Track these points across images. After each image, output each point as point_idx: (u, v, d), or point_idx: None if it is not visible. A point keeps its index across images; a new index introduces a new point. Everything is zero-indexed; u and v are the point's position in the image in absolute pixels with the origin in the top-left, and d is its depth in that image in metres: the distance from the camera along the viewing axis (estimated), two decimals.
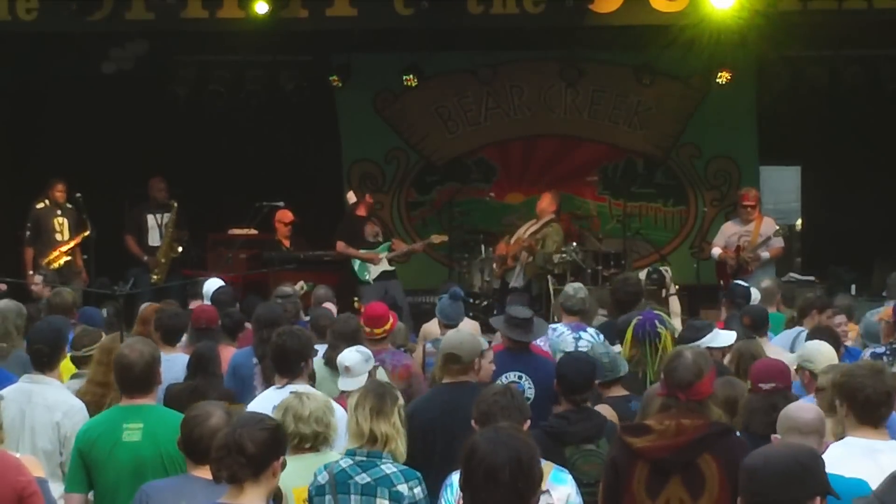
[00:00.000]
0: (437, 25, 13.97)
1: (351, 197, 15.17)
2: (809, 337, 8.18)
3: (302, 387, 6.58)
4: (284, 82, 16.49)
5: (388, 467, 5.61)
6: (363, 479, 5.57)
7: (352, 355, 7.28)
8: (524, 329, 8.09)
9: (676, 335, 7.93)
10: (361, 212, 14.87)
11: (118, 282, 11.07)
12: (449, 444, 6.45)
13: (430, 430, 6.80)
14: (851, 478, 4.87)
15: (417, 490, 5.60)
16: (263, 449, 4.48)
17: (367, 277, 14.46)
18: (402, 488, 5.56)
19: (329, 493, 5.55)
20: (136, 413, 6.03)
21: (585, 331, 9.14)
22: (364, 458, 5.61)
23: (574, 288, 9.89)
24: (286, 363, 6.96)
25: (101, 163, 15.41)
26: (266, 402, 6.69)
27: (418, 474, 5.68)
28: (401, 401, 5.82)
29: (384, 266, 14.54)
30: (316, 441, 5.86)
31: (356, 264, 14.52)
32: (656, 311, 8.07)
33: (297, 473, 5.67)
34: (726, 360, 7.78)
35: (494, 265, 14.78)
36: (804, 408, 5.18)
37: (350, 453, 5.65)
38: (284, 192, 14.97)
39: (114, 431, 6.02)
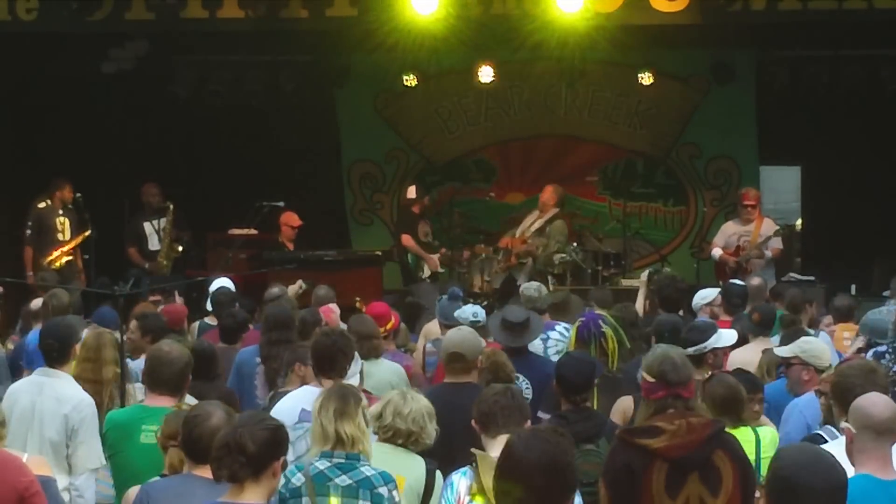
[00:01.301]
0: (438, 25, 13.96)
1: (411, 192, 15.30)
2: (790, 338, 8.21)
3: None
4: (284, 82, 16.49)
5: (368, 469, 5.57)
6: (344, 481, 5.52)
7: None
8: (518, 333, 8.07)
9: (623, 334, 7.97)
10: (416, 209, 15.11)
11: (118, 282, 11.07)
12: (447, 444, 6.47)
13: None
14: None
15: (395, 493, 5.58)
16: (264, 448, 4.48)
17: (421, 275, 14.69)
18: (383, 491, 5.53)
19: (306, 496, 5.50)
20: (157, 415, 6.06)
21: (554, 329, 9.13)
22: (343, 460, 5.56)
23: (534, 288, 9.93)
24: (334, 362, 6.90)
25: (101, 162, 15.42)
26: (300, 401, 6.69)
27: (394, 477, 5.64)
28: (364, 402, 5.78)
29: (439, 270, 14.87)
30: (408, 440, 5.91)
31: (412, 259, 14.80)
32: (598, 311, 8.11)
33: (385, 462, 5.72)
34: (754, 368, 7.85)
35: (499, 258, 14.75)
36: (879, 404, 5.02)
37: (326, 455, 5.58)
38: (284, 192, 14.97)
39: (132, 431, 6.11)
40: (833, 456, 4.05)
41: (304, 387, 6.98)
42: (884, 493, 4.66)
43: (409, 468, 5.92)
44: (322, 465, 5.56)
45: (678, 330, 8.40)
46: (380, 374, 8.00)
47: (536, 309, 9.44)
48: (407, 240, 14.98)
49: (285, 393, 7.34)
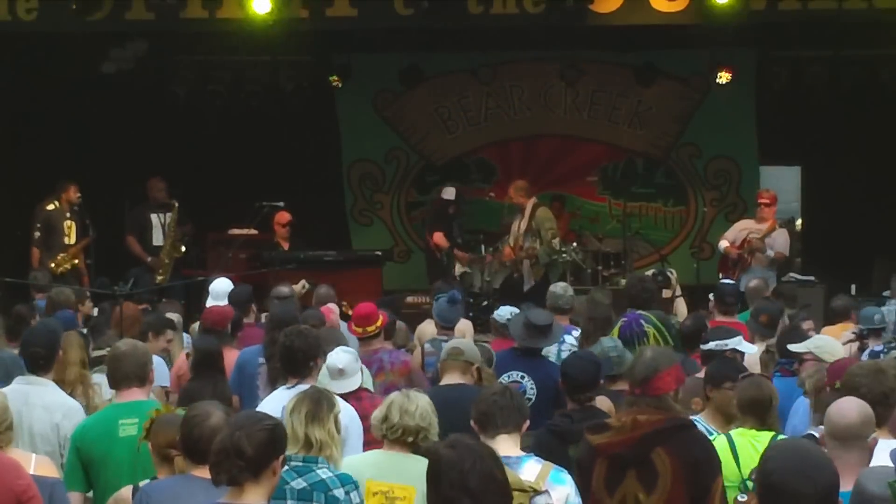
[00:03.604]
0: (437, 25, 13.97)
1: (449, 194, 15.33)
2: (781, 340, 8.21)
3: (306, 386, 6.56)
4: (284, 82, 16.49)
5: (324, 472, 5.56)
6: (299, 484, 5.52)
7: (343, 356, 7.25)
8: (539, 336, 8.12)
9: (667, 333, 7.96)
10: (452, 210, 15.25)
11: (118, 282, 11.07)
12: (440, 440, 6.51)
13: None
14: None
15: (353, 494, 5.56)
16: (262, 450, 4.44)
17: (452, 273, 14.79)
18: (339, 493, 5.51)
19: None
20: (131, 409, 6.12)
21: (570, 333, 9.15)
22: (300, 463, 5.57)
23: (562, 287, 9.97)
24: (294, 363, 6.98)
25: (101, 163, 15.41)
26: (276, 402, 6.69)
27: (355, 479, 5.64)
28: (338, 408, 5.78)
29: (466, 269, 14.93)
30: (417, 436, 5.89)
31: (445, 256, 15.02)
32: (640, 312, 8.11)
33: (377, 467, 5.76)
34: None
35: (508, 265, 14.75)
36: (843, 409, 4.89)
37: (286, 459, 5.61)
38: (284, 192, 14.96)
39: (110, 429, 6.09)
40: (824, 455, 4.03)
41: (280, 388, 7.03)
42: None
43: (417, 476, 5.92)
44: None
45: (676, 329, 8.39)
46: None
47: (559, 308, 9.49)
48: (440, 238, 15.10)
49: None
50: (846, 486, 4.56)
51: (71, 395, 7.11)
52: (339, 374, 7.18)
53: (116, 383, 6.29)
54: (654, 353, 5.49)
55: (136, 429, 5.96)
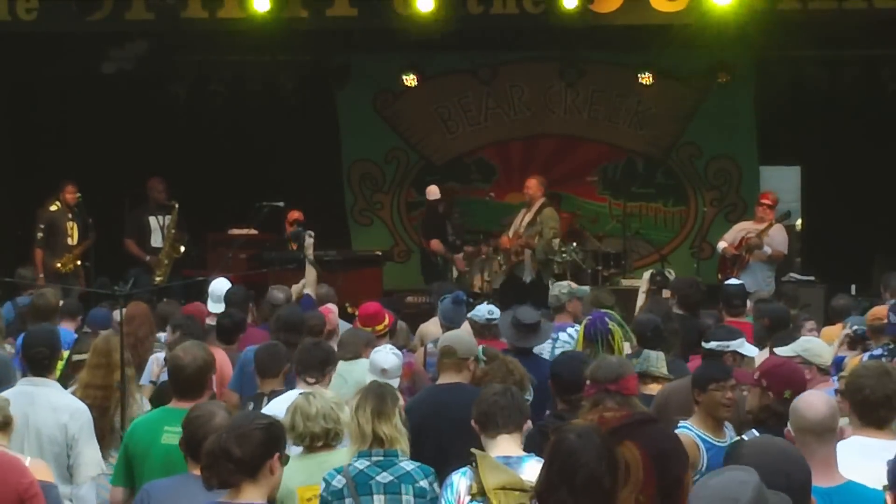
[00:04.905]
0: (437, 26, 13.96)
1: (433, 192, 15.36)
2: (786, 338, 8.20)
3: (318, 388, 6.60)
4: (284, 82, 16.49)
5: (408, 464, 5.69)
6: (385, 477, 5.62)
7: (390, 358, 7.36)
8: (528, 335, 8.12)
9: (629, 332, 7.99)
10: (441, 209, 15.36)
11: (118, 282, 11.07)
12: (438, 444, 6.52)
13: (422, 429, 6.86)
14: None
15: (435, 485, 5.68)
16: (254, 450, 4.40)
17: (449, 276, 14.83)
18: (424, 484, 5.66)
19: (349, 497, 5.56)
20: (177, 417, 6.04)
21: (565, 330, 9.13)
22: (382, 458, 5.66)
23: (557, 287, 9.97)
24: (311, 368, 7.03)
25: (101, 163, 15.40)
26: (284, 403, 6.69)
27: (432, 469, 5.74)
28: (401, 401, 5.87)
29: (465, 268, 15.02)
30: (327, 438, 5.91)
31: (440, 260, 15.09)
32: (604, 310, 8.13)
33: (304, 472, 5.72)
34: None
35: (500, 258, 14.75)
36: (814, 404, 4.88)
37: (365, 454, 5.66)
38: (284, 192, 14.94)
39: (155, 432, 6.10)
40: (796, 451, 4.02)
41: (294, 390, 7.03)
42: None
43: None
44: (361, 464, 5.64)
45: (660, 329, 8.38)
46: (359, 374, 8.03)
47: (561, 307, 9.50)
48: (436, 244, 15.18)
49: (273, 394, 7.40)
50: (823, 482, 4.58)
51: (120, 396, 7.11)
52: (382, 373, 7.25)
53: (173, 390, 6.31)
54: (618, 359, 5.82)
55: (178, 438, 5.97)
